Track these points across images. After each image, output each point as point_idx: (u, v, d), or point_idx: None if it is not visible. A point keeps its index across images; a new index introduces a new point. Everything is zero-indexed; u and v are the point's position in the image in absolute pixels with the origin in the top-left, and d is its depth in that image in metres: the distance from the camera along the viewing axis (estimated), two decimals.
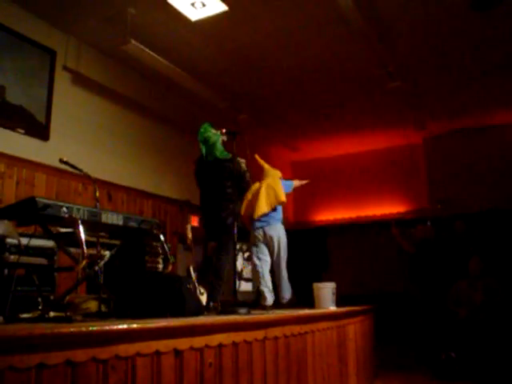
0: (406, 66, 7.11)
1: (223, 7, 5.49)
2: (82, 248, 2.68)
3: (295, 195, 11.65)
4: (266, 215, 5.33)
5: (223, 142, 4.89)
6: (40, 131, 5.77)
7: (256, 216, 5.24)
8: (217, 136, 4.84)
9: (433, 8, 5.75)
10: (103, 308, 3.75)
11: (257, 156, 5.57)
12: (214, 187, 4.87)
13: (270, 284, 5.18)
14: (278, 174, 5.61)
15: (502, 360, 5.80)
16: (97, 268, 3.33)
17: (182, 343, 2.33)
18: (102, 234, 3.57)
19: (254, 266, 5.28)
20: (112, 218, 3.02)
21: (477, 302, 6.51)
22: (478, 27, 6.14)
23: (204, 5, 5.43)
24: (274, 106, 8.58)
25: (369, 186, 10.75)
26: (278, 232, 5.42)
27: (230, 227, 4.48)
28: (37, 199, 2.64)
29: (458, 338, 6.38)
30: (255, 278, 5.34)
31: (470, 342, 6.20)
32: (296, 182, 5.80)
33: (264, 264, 5.26)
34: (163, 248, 3.46)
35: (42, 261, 3.42)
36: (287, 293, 5.28)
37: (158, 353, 2.17)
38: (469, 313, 6.45)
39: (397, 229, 8.17)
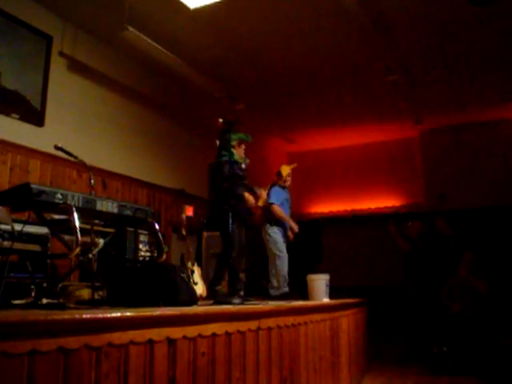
0: (404, 60, 7.09)
1: None
2: (76, 235, 2.65)
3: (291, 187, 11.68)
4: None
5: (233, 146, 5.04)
6: (35, 117, 5.72)
7: None
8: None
9: (432, 2, 5.73)
10: (96, 296, 3.75)
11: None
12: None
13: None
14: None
15: (493, 353, 5.84)
16: (90, 256, 3.32)
17: (175, 332, 2.32)
18: (96, 221, 3.55)
19: None
20: (107, 206, 3.00)
21: (480, 291, 6.54)
22: (476, 22, 6.13)
23: None
24: (272, 97, 8.56)
25: (364, 179, 10.76)
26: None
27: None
28: (31, 185, 2.62)
29: (451, 332, 6.41)
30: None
31: (463, 336, 6.24)
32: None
33: None
34: (157, 237, 3.44)
35: (36, 247, 3.40)
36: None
37: (151, 341, 2.16)
38: (464, 307, 6.49)
39: (394, 226, 8.18)
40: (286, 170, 6.23)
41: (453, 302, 6.67)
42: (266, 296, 5.70)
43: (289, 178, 6.23)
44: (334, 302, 4.93)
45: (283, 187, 6.20)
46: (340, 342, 4.81)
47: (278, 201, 6.00)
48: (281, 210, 5.97)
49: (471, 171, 9.49)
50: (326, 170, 11.23)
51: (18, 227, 3.61)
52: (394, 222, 8.26)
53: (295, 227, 6.10)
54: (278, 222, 6.00)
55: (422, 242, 7.83)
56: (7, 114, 5.41)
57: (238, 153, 4.99)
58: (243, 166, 5.04)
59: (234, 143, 4.98)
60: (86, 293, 4.37)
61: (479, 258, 6.90)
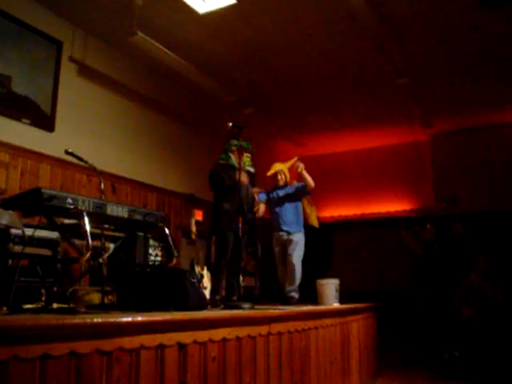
0: (414, 63, 7.05)
1: (231, 0, 5.45)
2: (87, 240, 2.66)
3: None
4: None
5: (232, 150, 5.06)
6: (45, 122, 5.75)
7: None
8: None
9: (442, 4, 5.71)
10: (106, 300, 3.75)
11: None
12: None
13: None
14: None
15: (505, 359, 5.78)
16: (101, 260, 3.32)
17: (186, 337, 2.31)
18: (106, 226, 3.56)
19: None
20: (117, 211, 3.01)
21: (491, 296, 6.48)
22: (487, 24, 6.09)
23: None
24: (281, 101, 8.55)
25: (374, 182, 10.70)
26: None
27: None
28: (42, 190, 2.63)
29: (462, 337, 6.36)
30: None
31: (474, 341, 6.18)
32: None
33: None
34: (167, 241, 3.44)
35: (46, 252, 3.41)
36: None
37: (161, 346, 2.16)
38: (475, 312, 6.43)
39: (407, 231, 8.12)
40: (270, 171, 5.90)
41: (464, 307, 6.61)
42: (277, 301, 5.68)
43: (279, 177, 5.84)
44: (344, 306, 4.91)
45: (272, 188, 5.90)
46: (350, 346, 4.79)
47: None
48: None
49: (482, 174, 9.42)
50: (335, 174, 11.17)
51: (28, 232, 3.63)
52: (405, 226, 8.20)
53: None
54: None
55: (437, 244, 7.76)
56: (18, 119, 5.44)
57: (236, 159, 4.89)
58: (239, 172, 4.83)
59: (233, 148, 4.97)
60: (96, 297, 4.37)
61: (491, 263, 6.84)
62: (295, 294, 5.48)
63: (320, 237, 10.93)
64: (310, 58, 7.00)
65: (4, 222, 3.67)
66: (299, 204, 5.93)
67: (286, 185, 5.90)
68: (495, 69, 7.25)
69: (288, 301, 5.38)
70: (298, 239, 5.69)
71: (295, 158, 5.93)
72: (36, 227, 3.56)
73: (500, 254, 7.44)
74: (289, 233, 5.70)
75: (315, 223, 6.07)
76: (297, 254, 5.59)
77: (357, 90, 8.06)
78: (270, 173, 5.84)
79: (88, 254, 2.75)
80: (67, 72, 6.10)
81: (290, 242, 5.65)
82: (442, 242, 7.84)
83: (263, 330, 2.97)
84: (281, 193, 5.84)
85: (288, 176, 5.91)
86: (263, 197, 5.68)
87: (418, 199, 10.33)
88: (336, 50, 6.76)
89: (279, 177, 5.84)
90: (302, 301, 5.55)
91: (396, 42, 6.43)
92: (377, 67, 7.13)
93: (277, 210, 5.80)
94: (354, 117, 9.24)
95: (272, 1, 5.62)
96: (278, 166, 5.88)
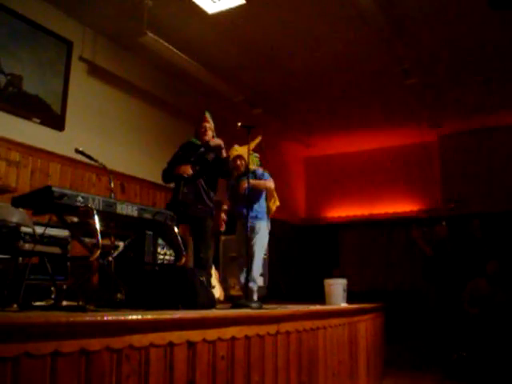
0: (423, 64, 7.04)
1: (240, 1, 5.47)
2: (97, 238, 2.68)
3: (307, 191, 11.66)
4: None
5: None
6: (55, 121, 5.79)
7: None
8: None
9: (451, 5, 5.70)
10: (115, 298, 3.76)
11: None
12: None
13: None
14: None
15: None
16: (110, 258, 3.34)
17: (195, 335, 2.32)
18: (112, 224, 3.57)
19: None
20: (127, 209, 3.02)
21: (497, 301, 6.44)
22: (495, 25, 6.07)
23: None
24: (289, 101, 8.55)
25: (382, 183, 10.69)
26: None
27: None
28: (53, 188, 2.65)
29: (471, 338, 6.33)
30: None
31: (483, 342, 6.15)
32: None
33: None
34: (176, 240, 3.45)
35: (56, 250, 3.43)
36: None
37: (171, 344, 2.17)
38: (484, 312, 6.40)
39: (417, 231, 8.09)
40: (232, 153, 5.15)
41: (472, 307, 6.58)
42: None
43: (239, 163, 5.16)
44: (351, 306, 4.91)
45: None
46: (358, 346, 4.78)
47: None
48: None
49: (490, 176, 9.38)
50: (343, 175, 11.18)
51: (38, 230, 3.65)
52: (417, 227, 8.16)
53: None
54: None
55: (450, 244, 7.71)
56: (28, 119, 5.49)
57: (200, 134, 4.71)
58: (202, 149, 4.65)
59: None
60: (105, 296, 4.39)
61: (502, 266, 6.79)
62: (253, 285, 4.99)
63: (327, 237, 10.97)
64: (319, 59, 7.00)
65: (15, 220, 3.70)
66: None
67: (246, 171, 4.95)
68: (504, 70, 7.23)
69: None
70: (261, 227, 5.15)
71: (259, 138, 5.20)
72: (46, 225, 3.58)
73: (509, 257, 7.38)
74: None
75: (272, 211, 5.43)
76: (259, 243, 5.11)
77: (365, 91, 8.05)
78: (231, 155, 5.08)
79: (98, 252, 2.77)
80: (77, 72, 6.14)
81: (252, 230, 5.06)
82: (455, 242, 7.79)
83: (272, 329, 2.98)
84: (237, 181, 5.18)
85: (247, 161, 4.97)
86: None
87: (426, 200, 10.31)
88: (344, 51, 6.76)
89: (239, 162, 5.17)
90: (308, 300, 5.54)
91: (404, 42, 6.42)
92: (385, 68, 7.12)
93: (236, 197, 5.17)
94: (363, 118, 9.23)
95: (281, 1, 5.63)
96: (236, 151, 5.20)
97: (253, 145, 5.12)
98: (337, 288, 5.13)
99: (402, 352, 7.61)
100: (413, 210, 10.38)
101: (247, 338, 2.72)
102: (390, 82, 7.60)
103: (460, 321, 6.65)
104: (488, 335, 6.16)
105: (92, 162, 4.00)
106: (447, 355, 6.37)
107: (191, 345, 2.30)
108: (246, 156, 4.95)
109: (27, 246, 3.11)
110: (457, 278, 7.19)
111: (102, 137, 6.36)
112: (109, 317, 1.92)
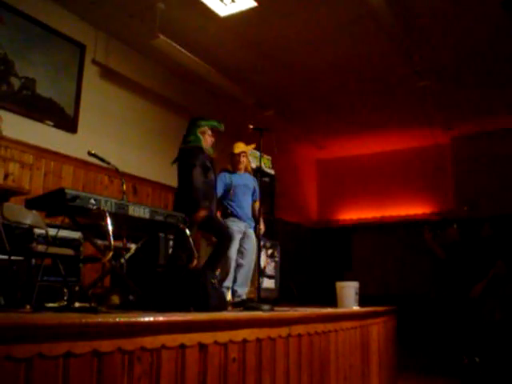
0: (435, 65, 7.01)
1: (252, 3, 5.47)
2: (109, 240, 2.69)
3: (319, 194, 11.64)
4: None
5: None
6: (68, 124, 5.84)
7: None
8: None
9: (464, 7, 5.66)
10: (127, 300, 3.78)
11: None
12: None
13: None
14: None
15: None
16: (122, 260, 3.35)
17: (207, 337, 2.32)
18: (124, 227, 3.58)
19: None
20: (139, 211, 3.03)
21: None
22: (508, 27, 6.02)
23: (233, 1, 5.43)
24: (301, 104, 8.54)
25: (394, 185, 10.64)
26: None
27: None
28: (66, 190, 2.66)
29: (483, 342, 6.27)
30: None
31: (496, 346, 6.09)
32: None
33: None
34: (188, 242, 3.46)
35: (69, 251, 3.45)
36: None
37: (182, 346, 2.17)
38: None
39: (430, 234, 8.03)
40: (239, 147, 5.08)
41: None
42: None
43: (244, 159, 5.08)
44: (363, 309, 4.88)
45: (232, 172, 5.10)
46: (370, 350, 4.75)
47: (219, 190, 4.89)
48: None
49: (504, 178, 9.29)
50: (355, 177, 11.15)
51: (51, 232, 3.68)
52: (429, 229, 8.10)
53: None
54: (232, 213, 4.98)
55: (462, 246, 7.65)
56: (42, 121, 5.54)
57: (206, 141, 4.54)
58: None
59: (203, 129, 4.55)
60: (116, 297, 4.41)
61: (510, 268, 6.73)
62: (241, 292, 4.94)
63: (339, 240, 10.93)
64: (330, 61, 6.99)
65: (28, 221, 3.73)
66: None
67: (246, 172, 5.12)
68: None
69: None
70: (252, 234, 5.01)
71: (253, 145, 5.13)
72: (59, 227, 3.61)
73: None
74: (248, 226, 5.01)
75: None
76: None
77: (377, 92, 8.02)
78: (238, 150, 5.05)
79: (110, 254, 2.79)
80: (90, 75, 6.19)
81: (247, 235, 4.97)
82: (468, 245, 7.73)
83: (283, 331, 2.97)
84: (245, 181, 5.10)
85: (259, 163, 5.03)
86: (225, 179, 5.04)
87: (439, 202, 10.24)
88: (356, 53, 6.75)
89: (243, 159, 5.09)
90: (320, 303, 5.53)
91: (417, 44, 6.39)
92: (398, 70, 7.09)
93: (240, 197, 5.01)
94: (375, 119, 9.19)
95: (292, 3, 5.63)
96: (243, 146, 5.11)
97: (250, 148, 5.16)
98: (349, 291, 5.11)
99: (415, 356, 7.56)
100: (425, 212, 10.32)
101: (258, 340, 2.71)
102: (402, 84, 7.57)
103: (472, 325, 6.58)
104: (501, 340, 6.09)
105: (104, 165, 4.03)
106: (459, 360, 6.31)
107: (203, 347, 2.29)
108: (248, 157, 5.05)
109: (40, 248, 3.13)
110: (469, 281, 7.13)
111: (114, 139, 6.40)
112: (121, 318, 1.93)
